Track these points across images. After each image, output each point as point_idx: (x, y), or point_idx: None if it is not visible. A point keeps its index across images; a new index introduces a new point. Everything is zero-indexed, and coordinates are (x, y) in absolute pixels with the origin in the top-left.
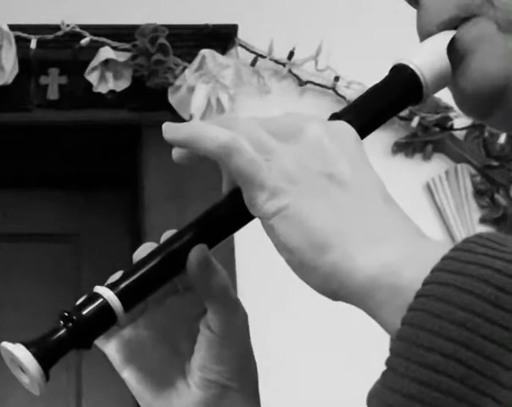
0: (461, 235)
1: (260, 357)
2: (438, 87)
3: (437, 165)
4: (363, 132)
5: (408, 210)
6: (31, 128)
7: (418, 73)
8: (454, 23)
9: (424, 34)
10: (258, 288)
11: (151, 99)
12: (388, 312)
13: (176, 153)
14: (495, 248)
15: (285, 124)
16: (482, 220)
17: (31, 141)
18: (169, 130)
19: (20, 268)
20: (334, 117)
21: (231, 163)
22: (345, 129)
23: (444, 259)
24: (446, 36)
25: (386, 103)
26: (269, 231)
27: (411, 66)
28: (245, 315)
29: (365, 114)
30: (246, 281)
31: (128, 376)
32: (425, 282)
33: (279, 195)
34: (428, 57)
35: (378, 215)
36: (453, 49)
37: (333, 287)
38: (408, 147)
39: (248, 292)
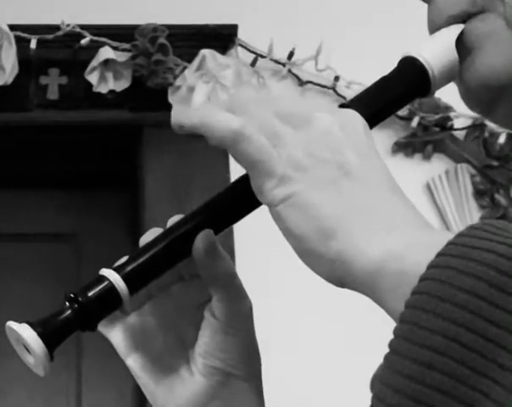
0: None
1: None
2: (446, 80)
3: (437, 165)
4: (369, 124)
5: None
6: (31, 128)
7: (426, 66)
8: (464, 17)
9: (433, 27)
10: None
11: (151, 99)
12: (393, 298)
13: (175, 122)
14: (499, 234)
15: (295, 110)
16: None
17: (31, 141)
18: (178, 115)
19: (20, 268)
20: (342, 107)
21: (240, 150)
22: (354, 118)
23: (449, 244)
24: (455, 30)
25: (394, 95)
26: (277, 217)
27: (420, 59)
28: (250, 304)
29: (373, 105)
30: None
31: (132, 363)
32: (429, 266)
33: (287, 182)
34: (436, 50)
35: (384, 204)
36: (461, 43)
37: (339, 274)
38: (408, 147)
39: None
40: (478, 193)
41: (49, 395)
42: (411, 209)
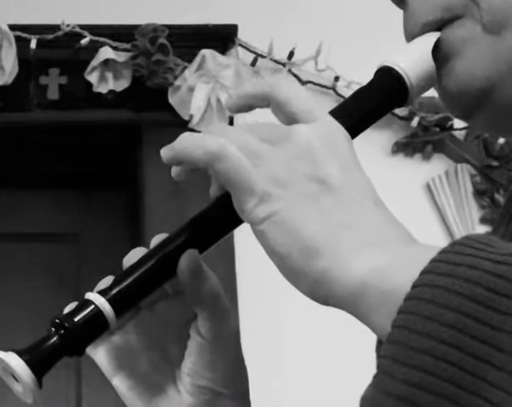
0: (461, 235)
1: (262, 356)
2: (424, 89)
3: (437, 165)
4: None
5: (408, 210)
6: (31, 128)
7: (403, 75)
8: (439, 24)
9: (409, 35)
10: (259, 287)
11: (151, 99)
12: (378, 316)
13: (174, 172)
14: (482, 249)
15: (274, 128)
16: (482, 220)
17: (31, 141)
18: (164, 150)
19: (20, 268)
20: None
21: (220, 169)
22: (336, 130)
23: (433, 261)
24: (431, 38)
25: (372, 106)
26: (260, 236)
27: (396, 68)
28: (236, 321)
29: (351, 117)
30: (246, 280)
31: (118, 382)
32: (414, 285)
33: (267, 200)
34: (413, 58)
35: (368, 220)
36: (438, 50)
37: (323, 292)
38: (408, 147)
39: (249, 290)
40: (478, 193)
41: (49, 396)
42: (394, 224)
